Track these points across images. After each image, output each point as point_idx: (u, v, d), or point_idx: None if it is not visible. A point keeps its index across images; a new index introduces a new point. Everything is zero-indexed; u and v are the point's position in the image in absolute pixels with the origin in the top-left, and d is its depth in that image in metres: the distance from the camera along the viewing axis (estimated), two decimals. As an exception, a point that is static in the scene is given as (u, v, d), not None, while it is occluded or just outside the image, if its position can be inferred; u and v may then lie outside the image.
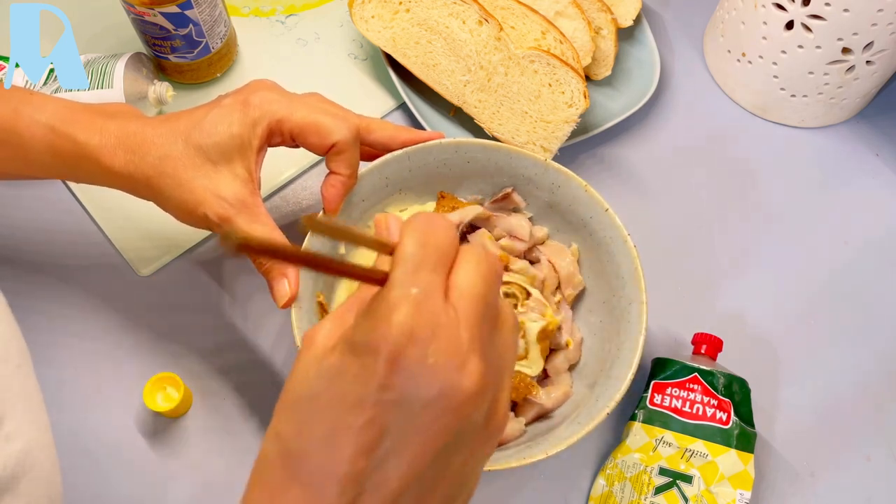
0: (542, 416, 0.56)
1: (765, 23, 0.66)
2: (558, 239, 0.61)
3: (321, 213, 0.53)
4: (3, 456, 0.33)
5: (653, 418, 0.57)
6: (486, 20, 0.64)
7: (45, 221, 0.65)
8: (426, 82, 0.67)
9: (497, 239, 0.60)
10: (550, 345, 0.57)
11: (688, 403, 0.56)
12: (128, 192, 0.52)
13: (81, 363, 0.60)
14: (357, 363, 0.30)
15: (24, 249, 0.64)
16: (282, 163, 0.66)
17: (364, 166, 0.56)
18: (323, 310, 0.55)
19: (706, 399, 0.56)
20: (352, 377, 0.30)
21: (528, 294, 0.57)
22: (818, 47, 0.65)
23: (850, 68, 0.66)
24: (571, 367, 0.58)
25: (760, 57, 0.69)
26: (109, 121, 0.50)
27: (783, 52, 0.67)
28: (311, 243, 0.50)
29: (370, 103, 0.71)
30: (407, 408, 0.30)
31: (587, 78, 0.71)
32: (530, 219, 0.61)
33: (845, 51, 0.65)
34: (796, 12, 0.63)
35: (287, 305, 0.50)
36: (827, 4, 0.61)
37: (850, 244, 0.68)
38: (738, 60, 0.71)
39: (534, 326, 0.55)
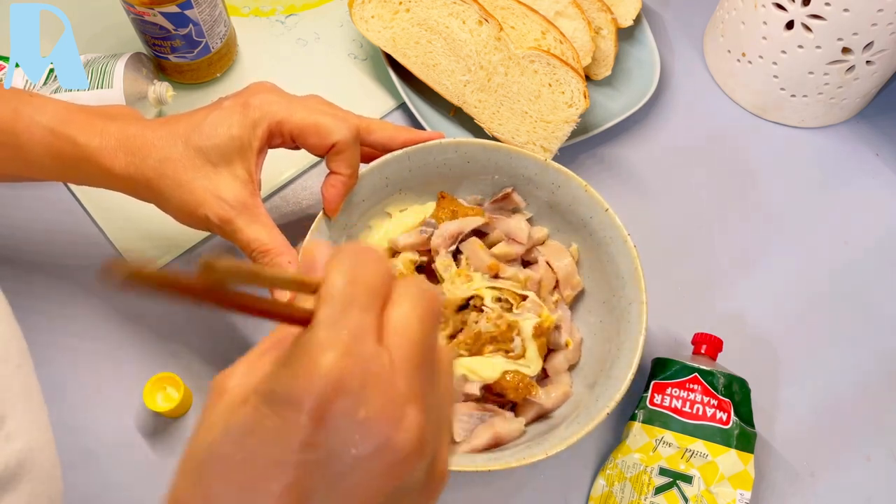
0: (542, 416, 0.56)
1: (765, 23, 0.66)
2: (558, 239, 0.61)
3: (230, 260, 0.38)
4: (3, 455, 0.33)
5: (653, 418, 0.57)
6: (486, 20, 0.64)
7: (45, 221, 0.65)
8: (426, 82, 0.67)
9: (496, 242, 0.60)
10: (549, 344, 0.57)
11: (688, 403, 0.56)
12: (128, 193, 0.52)
13: (81, 363, 0.60)
14: (275, 418, 0.26)
15: (24, 249, 0.64)
16: (282, 163, 0.66)
17: (364, 166, 0.56)
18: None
19: (706, 399, 0.56)
20: (268, 434, 0.26)
21: (524, 297, 0.57)
22: (818, 47, 0.65)
23: (850, 68, 0.66)
24: (571, 368, 0.58)
25: (760, 57, 0.69)
26: (110, 123, 0.50)
27: (783, 52, 0.67)
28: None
29: (370, 103, 0.71)
30: (334, 470, 0.26)
31: (587, 78, 0.71)
32: (530, 219, 0.61)
33: (845, 51, 0.65)
34: (796, 12, 0.63)
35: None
36: (827, 4, 0.61)
37: (850, 244, 0.68)
38: (738, 60, 0.71)
39: (528, 323, 0.55)
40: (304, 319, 0.27)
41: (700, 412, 0.56)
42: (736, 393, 0.57)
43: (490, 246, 0.59)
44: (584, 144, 0.68)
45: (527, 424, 0.55)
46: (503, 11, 0.67)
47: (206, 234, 0.64)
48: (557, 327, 0.57)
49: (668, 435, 0.56)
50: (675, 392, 0.57)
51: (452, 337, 0.56)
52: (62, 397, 0.58)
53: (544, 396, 0.56)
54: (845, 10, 0.61)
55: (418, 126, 0.67)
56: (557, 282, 0.59)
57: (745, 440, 0.56)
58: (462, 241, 0.58)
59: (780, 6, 0.64)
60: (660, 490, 0.55)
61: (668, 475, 0.55)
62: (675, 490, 0.55)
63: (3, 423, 0.34)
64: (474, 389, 0.54)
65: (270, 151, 0.54)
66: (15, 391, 0.35)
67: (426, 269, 0.59)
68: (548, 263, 0.59)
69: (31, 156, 0.50)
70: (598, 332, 0.58)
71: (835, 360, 0.63)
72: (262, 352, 0.29)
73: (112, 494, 0.56)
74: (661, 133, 0.72)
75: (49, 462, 0.37)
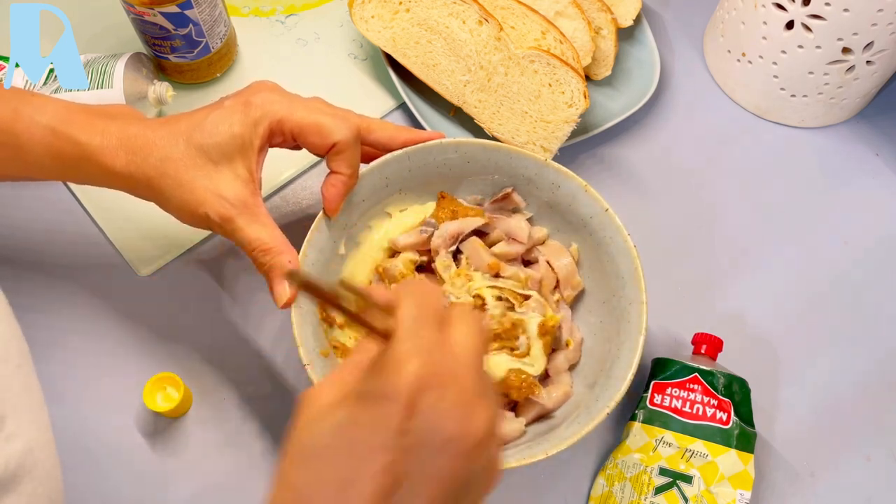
0: (543, 416, 0.56)
1: (765, 23, 0.66)
2: (558, 239, 0.61)
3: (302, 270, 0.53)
4: (4, 455, 0.33)
5: (653, 418, 0.57)
6: (486, 20, 0.64)
7: (45, 221, 0.65)
8: (426, 82, 0.67)
9: (496, 242, 0.60)
10: (552, 343, 0.57)
11: (688, 403, 0.57)
12: (128, 192, 0.52)
13: (81, 363, 0.60)
14: (370, 412, 0.31)
15: (24, 249, 0.64)
16: (282, 163, 0.66)
17: (364, 166, 0.56)
18: (323, 310, 0.55)
19: (706, 399, 0.56)
20: (366, 425, 0.31)
21: (526, 297, 0.57)
22: (818, 47, 0.65)
23: (850, 68, 0.66)
24: (571, 368, 0.58)
25: (760, 57, 0.69)
26: (110, 122, 0.50)
27: (783, 52, 0.67)
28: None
29: (370, 103, 0.71)
30: (422, 453, 0.31)
31: (587, 78, 0.71)
32: (530, 219, 0.61)
33: (845, 51, 0.65)
34: (796, 12, 0.63)
35: (287, 306, 0.50)
36: (827, 4, 0.61)
37: (850, 244, 0.68)
38: (738, 60, 0.71)
39: (533, 321, 0.55)
40: (385, 334, 0.34)
41: (700, 412, 0.56)
42: (736, 393, 0.57)
43: (490, 246, 0.59)
44: (584, 144, 0.68)
45: (527, 424, 0.55)
46: (503, 11, 0.67)
47: (206, 233, 0.64)
48: (559, 326, 0.57)
49: (668, 435, 0.56)
50: (675, 392, 0.57)
51: None
52: (62, 397, 0.58)
53: (546, 396, 0.56)
54: (845, 10, 0.61)
55: (418, 126, 0.67)
56: (558, 281, 0.59)
57: (745, 440, 0.56)
58: (462, 241, 0.58)
59: (780, 6, 0.64)
60: (660, 490, 0.55)
61: (668, 475, 0.55)
62: (675, 490, 0.55)
63: (3, 423, 0.34)
64: None
65: (270, 151, 0.54)
66: (15, 391, 0.35)
67: (426, 269, 0.59)
68: (548, 263, 0.59)
69: (32, 155, 0.50)
70: (598, 332, 0.58)
71: (835, 360, 0.63)
72: (347, 371, 0.35)
73: (112, 494, 0.56)
74: (661, 133, 0.72)
75: (49, 462, 0.37)
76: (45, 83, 0.64)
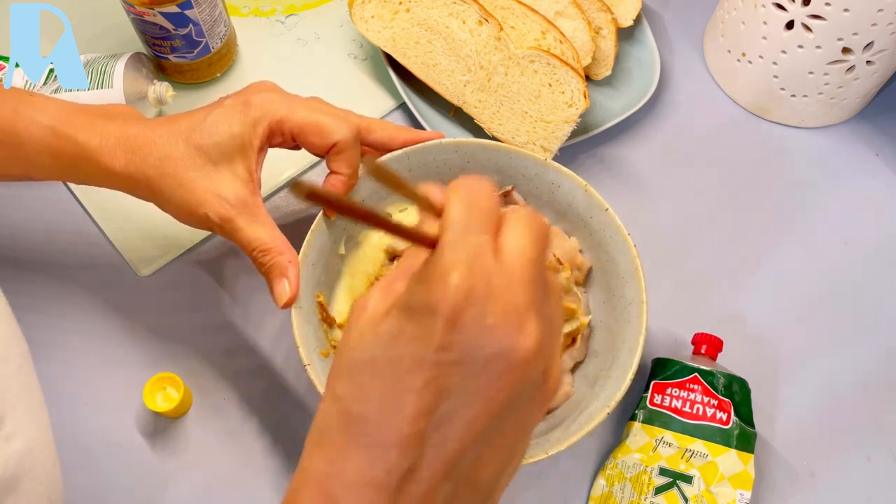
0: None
1: (765, 23, 0.66)
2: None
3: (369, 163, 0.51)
4: (4, 456, 0.33)
5: (653, 418, 0.57)
6: (486, 20, 0.64)
7: (45, 221, 0.65)
8: (426, 82, 0.67)
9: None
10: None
11: (688, 403, 0.57)
12: (128, 192, 0.52)
13: (81, 363, 0.60)
14: (414, 325, 0.30)
15: (24, 249, 0.64)
16: (282, 163, 0.66)
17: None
18: (323, 310, 0.55)
19: (706, 399, 0.56)
20: (410, 339, 0.30)
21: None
22: (818, 47, 0.65)
23: (850, 68, 0.66)
24: (575, 367, 0.58)
25: (760, 57, 0.69)
26: (110, 122, 0.50)
27: (783, 52, 0.67)
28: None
29: (370, 103, 0.71)
30: (466, 368, 0.30)
31: (587, 78, 0.71)
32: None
33: (845, 51, 0.65)
34: (796, 12, 0.63)
35: (287, 306, 0.50)
36: (827, 4, 0.61)
37: (850, 244, 0.68)
38: (738, 60, 0.71)
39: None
40: (430, 242, 0.31)
41: (700, 412, 0.56)
42: (736, 393, 0.57)
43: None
44: (584, 144, 0.68)
45: (527, 424, 0.55)
46: (503, 11, 0.67)
47: (206, 233, 0.64)
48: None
49: (668, 435, 0.56)
50: (675, 392, 0.57)
51: None
52: (62, 397, 0.58)
53: (547, 396, 0.55)
54: (845, 10, 0.61)
55: (418, 126, 0.67)
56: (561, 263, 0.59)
57: (745, 440, 0.56)
58: None
59: (780, 6, 0.64)
60: (660, 490, 0.55)
61: (668, 475, 0.55)
62: (675, 490, 0.55)
63: (3, 423, 0.34)
64: None
65: (270, 151, 0.54)
66: (15, 391, 0.35)
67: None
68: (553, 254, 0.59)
69: (32, 155, 0.50)
70: (599, 332, 0.58)
71: (835, 360, 0.63)
72: (393, 279, 0.33)
73: (112, 494, 0.56)
74: (661, 133, 0.72)
75: (49, 462, 0.37)
76: (45, 83, 0.64)
